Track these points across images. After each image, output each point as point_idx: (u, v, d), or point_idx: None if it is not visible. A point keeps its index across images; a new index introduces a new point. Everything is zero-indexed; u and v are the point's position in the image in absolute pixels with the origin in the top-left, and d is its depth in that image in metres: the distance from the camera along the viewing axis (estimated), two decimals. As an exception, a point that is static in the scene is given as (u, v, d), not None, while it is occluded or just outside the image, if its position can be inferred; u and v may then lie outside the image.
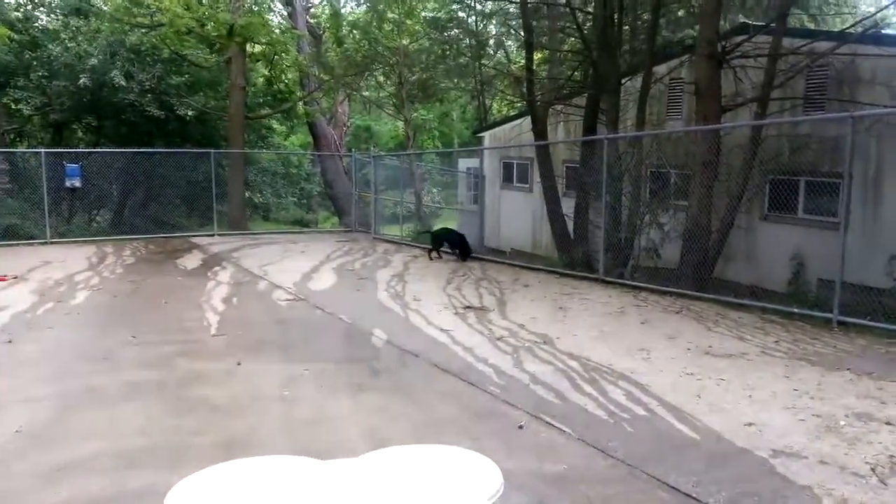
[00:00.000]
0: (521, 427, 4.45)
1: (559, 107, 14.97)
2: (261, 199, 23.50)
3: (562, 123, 16.02)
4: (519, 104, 16.96)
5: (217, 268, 11.51)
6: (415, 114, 21.93)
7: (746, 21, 11.88)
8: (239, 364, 5.87)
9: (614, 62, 11.81)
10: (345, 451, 4.03)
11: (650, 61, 11.71)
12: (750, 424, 4.47)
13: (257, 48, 19.93)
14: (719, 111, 9.66)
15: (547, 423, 4.52)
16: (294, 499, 2.21)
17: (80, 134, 21.50)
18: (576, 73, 14.07)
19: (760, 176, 11.05)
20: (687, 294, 9.05)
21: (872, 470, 3.80)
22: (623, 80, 12.09)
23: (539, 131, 14.43)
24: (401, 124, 38.48)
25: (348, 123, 29.73)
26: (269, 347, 6.55)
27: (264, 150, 23.11)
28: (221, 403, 4.95)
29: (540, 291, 9.62)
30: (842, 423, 4.49)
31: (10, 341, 6.56)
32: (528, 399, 5.01)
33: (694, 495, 3.52)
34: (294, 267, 11.58)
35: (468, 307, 8.42)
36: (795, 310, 7.94)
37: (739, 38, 10.54)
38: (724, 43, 10.05)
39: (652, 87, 12.06)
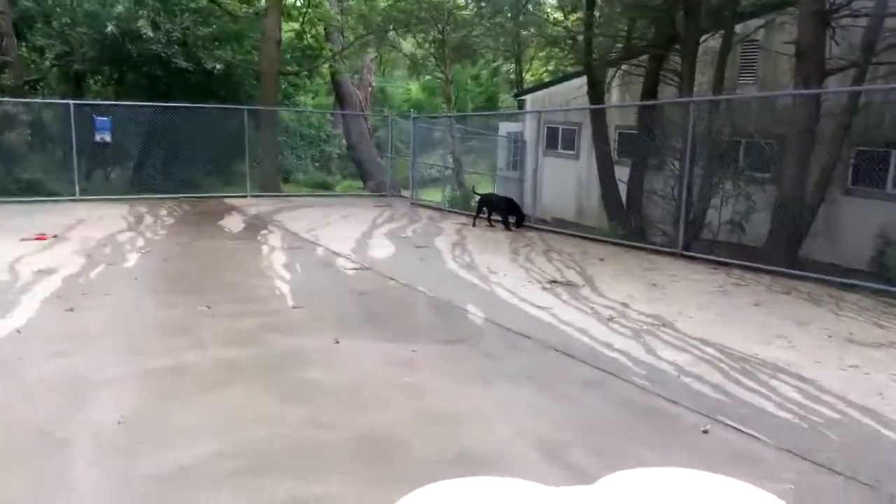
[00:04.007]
0: (705, 432, 3.79)
1: (614, 69, 14.13)
2: (282, 160, 22.65)
3: (616, 88, 15.18)
4: (568, 65, 16.04)
5: (264, 231, 10.82)
6: (468, 72, 20.90)
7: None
8: (337, 342, 5.19)
9: (694, 19, 10.94)
10: (515, 458, 3.40)
11: (732, 19, 10.85)
12: (968, 433, 3.82)
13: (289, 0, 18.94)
14: (822, 74, 8.87)
15: (730, 426, 3.86)
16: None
17: (98, 86, 20.63)
18: (642, 31, 13.15)
19: (848, 147, 10.30)
20: (783, 273, 8.36)
21: None
22: (701, 40, 11.24)
23: (597, 94, 13.62)
24: (414, 86, 37.56)
25: (373, 84, 28.74)
26: (358, 322, 5.89)
27: (299, 109, 22.20)
28: (336, 389, 4.29)
29: (618, 266, 8.94)
30: None
31: (70, 309, 5.89)
32: (688, 395, 4.35)
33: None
34: (343, 233, 10.88)
35: (554, 282, 7.73)
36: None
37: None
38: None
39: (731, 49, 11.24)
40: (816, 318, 6.38)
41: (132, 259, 8.15)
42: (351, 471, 3.25)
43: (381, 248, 9.62)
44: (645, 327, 5.88)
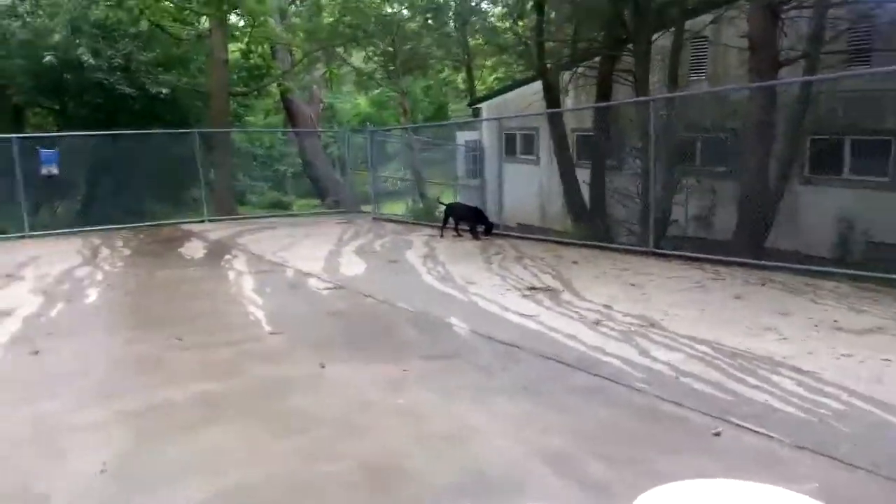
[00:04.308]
0: (717, 434, 3.69)
1: (568, 73, 14.19)
2: (235, 183, 22.14)
3: (570, 91, 15.23)
4: (520, 71, 16.06)
5: (228, 256, 10.48)
6: (417, 84, 20.76)
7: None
8: (323, 367, 4.98)
9: (644, 18, 11.03)
10: (527, 476, 3.25)
11: (682, 16, 10.97)
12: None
13: (232, 19, 18.58)
14: (776, 66, 8.99)
15: (741, 426, 3.77)
16: None
17: (38, 118, 19.93)
18: (593, 33, 13.23)
19: (803, 137, 10.49)
20: (756, 264, 8.41)
21: None
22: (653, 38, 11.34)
23: (552, 98, 13.65)
24: (363, 101, 37.28)
25: (324, 100, 28.43)
26: (341, 344, 5.67)
27: (252, 129, 21.78)
28: (328, 418, 4.08)
29: (594, 268, 8.88)
30: None
31: (35, 352, 5.53)
32: (691, 396, 4.26)
33: None
34: (310, 252, 10.61)
35: (533, 288, 7.63)
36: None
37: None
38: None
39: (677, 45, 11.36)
40: (798, 307, 6.40)
41: (93, 294, 7.77)
42: (361, 506, 3.05)
43: (353, 266, 9.39)
44: (633, 329, 5.81)
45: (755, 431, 3.69)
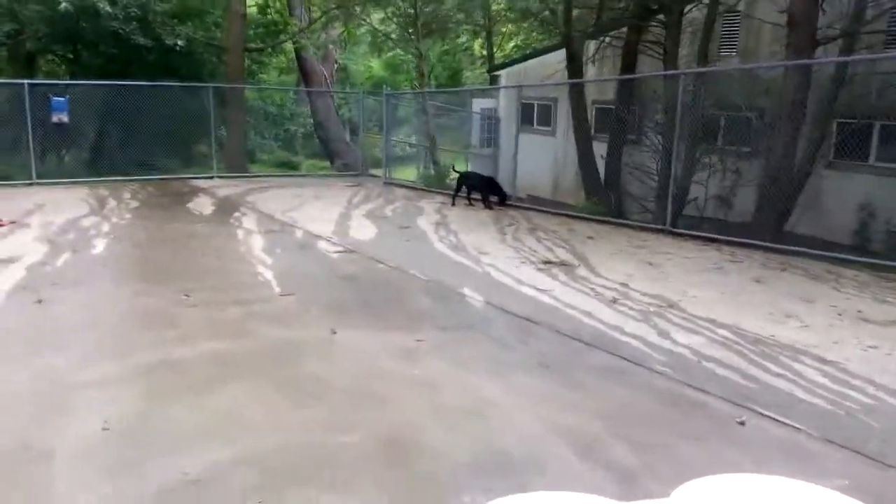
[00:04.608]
0: (741, 423, 3.57)
1: (594, 42, 13.85)
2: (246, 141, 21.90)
3: (592, 63, 14.89)
4: (545, 38, 15.68)
5: (236, 213, 10.35)
6: (435, 48, 20.36)
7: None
8: (335, 332, 4.86)
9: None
10: (549, 457, 3.14)
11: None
12: None
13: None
14: (814, 44, 8.70)
15: (766, 416, 3.65)
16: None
17: (51, 66, 19.66)
18: (624, 2, 12.87)
19: (831, 119, 10.20)
20: (775, 248, 8.24)
21: None
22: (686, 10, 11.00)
23: (575, 68, 13.33)
24: (376, 64, 36.73)
25: (339, 61, 28.01)
26: (353, 310, 5.55)
27: (267, 87, 21.48)
28: (343, 386, 3.97)
29: (609, 244, 8.73)
30: None
31: (39, 301, 5.44)
32: (713, 381, 4.13)
33: None
34: (320, 214, 10.47)
35: (547, 262, 7.48)
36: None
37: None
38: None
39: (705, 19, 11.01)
40: (820, 295, 6.25)
41: (100, 245, 7.66)
42: (378, 479, 2.95)
43: (363, 230, 9.25)
44: (651, 309, 5.67)
45: (781, 422, 3.57)
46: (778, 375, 4.23)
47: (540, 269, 7.11)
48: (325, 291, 6.11)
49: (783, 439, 3.42)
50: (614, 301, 5.90)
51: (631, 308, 5.69)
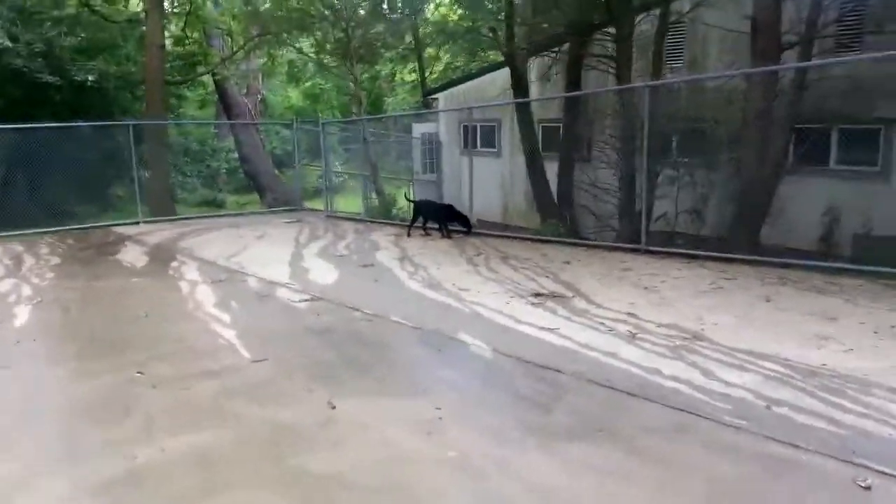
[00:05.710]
0: (866, 488, 2.97)
1: (539, 60, 13.49)
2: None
3: (535, 81, 14.52)
4: (475, 62, 15.25)
5: (174, 262, 9.29)
6: (364, 75, 19.65)
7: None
8: (333, 407, 4.03)
9: (628, 1, 10.39)
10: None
11: (667, -1, 10.39)
12: None
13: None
14: (779, 50, 8.47)
15: (885, 473, 3.07)
16: None
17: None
18: (566, 17, 12.52)
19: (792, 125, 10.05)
20: (763, 262, 7.88)
21: None
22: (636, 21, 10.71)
23: (521, 87, 12.91)
24: (293, 94, 35.70)
25: (262, 92, 26.94)
26: (343, 374, 4.72)
27: (194, 122, 20.24)
28: (364, 481, 3.16)
29: (590, 268, 8.17)
30: None
31: (-47, 398, 4.38)
32: (799, 432, 3.53)
33: None
34: (268, 256, 9.55)
35: (538, 294, 6.83)
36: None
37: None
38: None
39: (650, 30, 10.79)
40: (838, 310, 5.82)
41: (23, 314, 6.54)
42: None
43: (323, 272, 8.39)
44: (677, 343, 5.08)
45: (910, 482, 2.99)
46: (862, 416, 3.68)
47: (534, 304, 6.44)
48: (302, 352, 5.24)
49: (927, 508, 2.83)
50: (633, 336, 5.29)
51: (654, 343, 5.08)
